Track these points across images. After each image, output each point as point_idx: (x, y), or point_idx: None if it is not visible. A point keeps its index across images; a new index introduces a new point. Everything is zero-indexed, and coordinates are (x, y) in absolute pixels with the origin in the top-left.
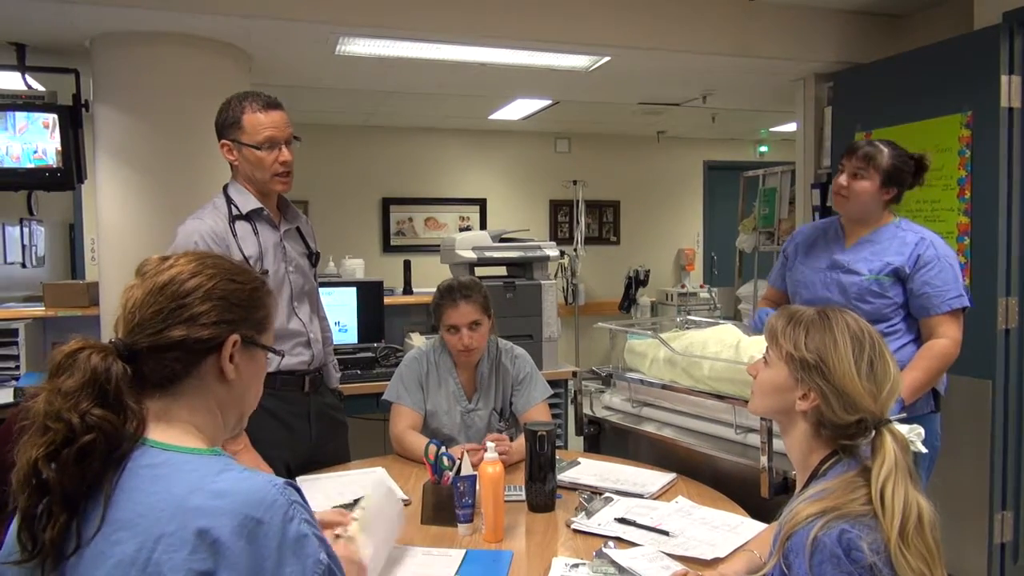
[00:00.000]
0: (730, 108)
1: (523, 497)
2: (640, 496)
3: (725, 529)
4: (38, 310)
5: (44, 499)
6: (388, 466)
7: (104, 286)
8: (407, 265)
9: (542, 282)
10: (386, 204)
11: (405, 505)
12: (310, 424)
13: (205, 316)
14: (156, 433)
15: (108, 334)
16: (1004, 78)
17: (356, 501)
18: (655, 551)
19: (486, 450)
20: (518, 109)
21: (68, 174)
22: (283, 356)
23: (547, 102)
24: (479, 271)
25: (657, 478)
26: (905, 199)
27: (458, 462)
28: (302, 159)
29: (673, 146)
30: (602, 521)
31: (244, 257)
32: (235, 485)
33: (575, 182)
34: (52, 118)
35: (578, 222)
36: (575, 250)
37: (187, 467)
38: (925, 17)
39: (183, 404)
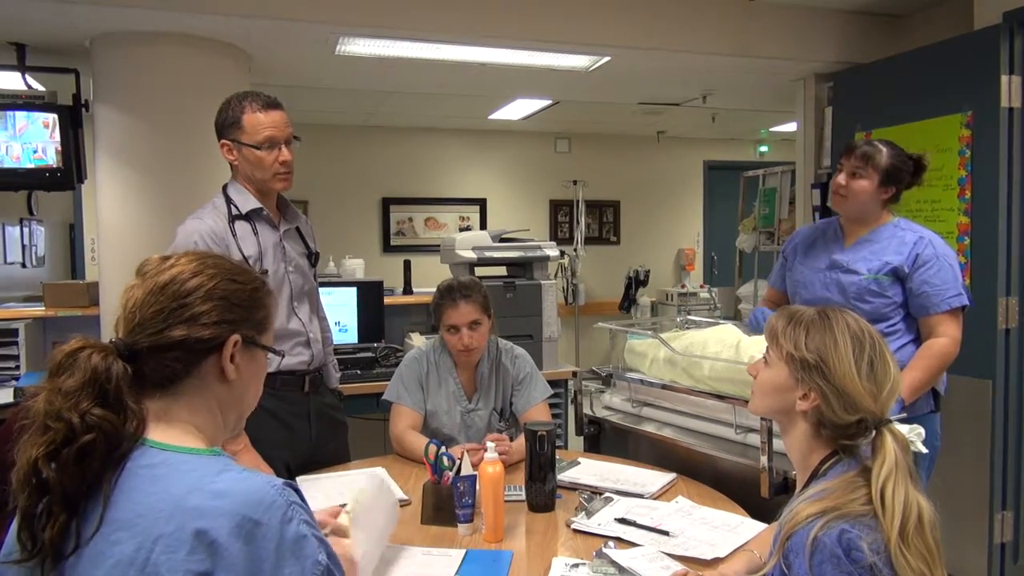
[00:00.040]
0: (730, 108)
1: (523, 497)
2: (640, 496)
3: (725, 529)
4: (38, 310)
5: (44, 499)
6: (388, 466)
7: (104, 286)
8: (407, 265)
9: (542, 282)
10: (386, 204)
11: (405, 505)
12: (310, 424)
13: (206, 316)
14: (156, 433)
15: (108, 334)
16: (1004, 78)
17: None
18: (655, 551)
19: (486, 450)
20: (518, 109)
21: (68, 174)
22: (283, 356)
23: (547, 102)
24: (479, 271)
25: (657, 478)
26: (905, 199)
27: (458, 462)
28: (302, 159)
29: (673, 146)
30: (602, 521)
31: (244, 257)
32: (234, 486)
33: (575, 182)
34: (52, 118)
35: (578, 222)
36: (575, 250)
37: (185, 467)
38: (925, 17)
39: (183, 404)
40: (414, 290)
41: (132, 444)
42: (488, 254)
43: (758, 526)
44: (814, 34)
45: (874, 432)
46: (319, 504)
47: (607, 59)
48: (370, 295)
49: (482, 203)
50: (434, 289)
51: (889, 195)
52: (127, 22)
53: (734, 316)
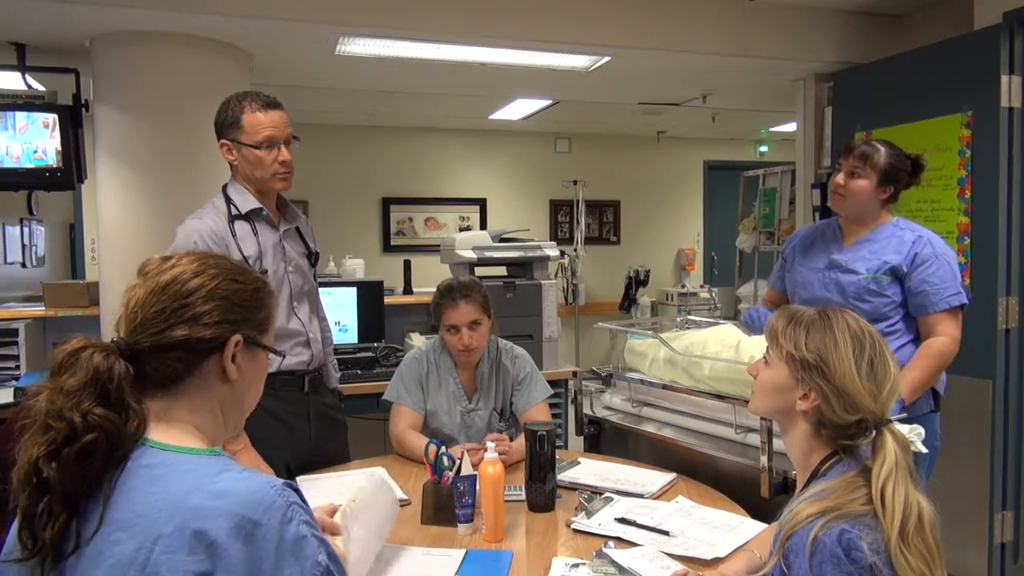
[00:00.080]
0: (730, 108)
1: (523, 497)
2: (640, 496)
3: (725, 529)
4: (38, 310)
5: (45, 498)
6: (388, 466)
7: (104, 286)
8: (407, 265)
9: (542, 282)
10: (386, 204)
11: (405, 505)
12: (310, 424)
13: (207, 316)
14: (156, 433)
15: (108, 334)
16: (1004, 78)
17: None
18: (655, 551)
19: (486, 450)
20: (518, 109)
21: (68, 174)
22: (284, 357)
23: (547, 102)
24: (479, 271)
25: (657, 478)
26: (905, 199)
27: (458, 462)
28: (302, 159)
29: (673, 146)
30: (602, 521)
31: (243, 257)
32: (233, 486)
33: (575, 182)
34: (52, 118)
35: (578, 222)
36: (575, 250)
37: (185, 467)
38: (925, 17)
39: (184, 404)
40: (414, 290)
41: (133, 444)
42: (488, 254)
43: (758, 526)
44: (814, 34)
45: (874, 432)
46: (319, 504)
47: (607, 59)
48: (370, 295)
49: (482, 203)
50: (434, 289)
51: (888, 194)
52: (127, 22)
53: (734, 316)
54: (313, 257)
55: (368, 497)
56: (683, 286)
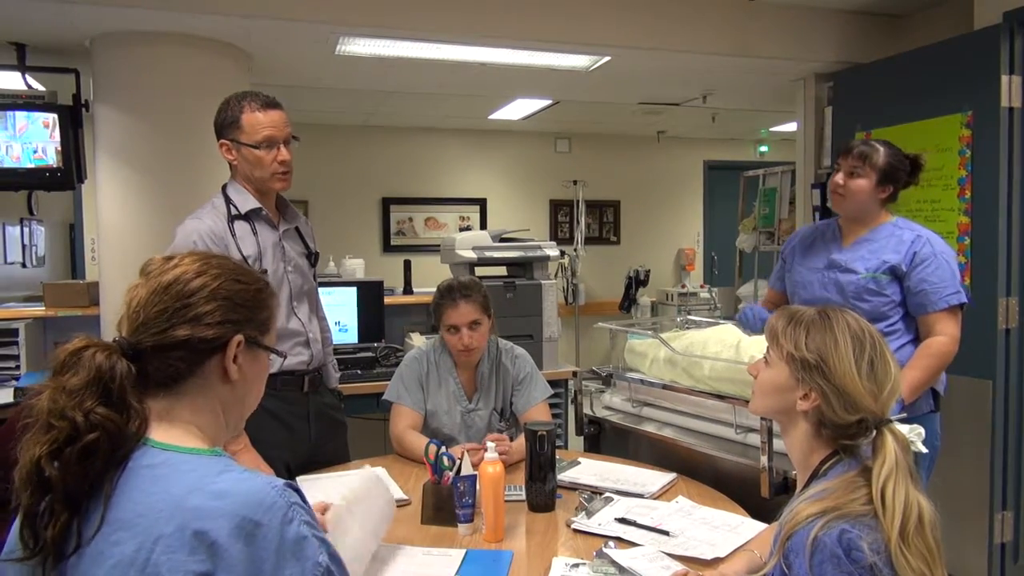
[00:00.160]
0: (730, 108)
1: (523, 497)
2: (640, 496)
3: (725, 529)
4: (38, 310)
5: (46, 497)
6: (388, 466)
7: (104, 286)
8: (407, 265)
9: (542, 282)
10: (386, 204)
11: (405, 505)
12: (309, 424)
13: (210, 316)
14: (158, 433)
15: (108, 334)
16: (1004, 78)
17: None
18: (655, 551)
19: (486, 450)
20: (518, 109)
21: (68, 174)
22: (285, 357)
23: (547, 102)
24: (479, 271)
25: (657, 478)
26: (905, 199)
27: (458, 462)
28: (302, 159)
29: (673, 146)
30: (602, 521)
31: (243, 257)
32: (234, 486)
33: (575, 182)
34: (52, 118)
35: (578, 222)
36: (575, 250)
37: (186, 467)
38: (925, 17)
39: (186, 404)
40: (414, 290)
41: (134, 444)
42: (488, 254)
43: (758, 526)
44: (814, 34)
45: (874, 432)
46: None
47: (607, 59)
48: (370, 295)
49: (482, 203)
50: (434, 289)
51: (887, 194)
52: (127, 22)
53: (734, 316)
54: (313, 257)
55: (361, 495)
56: (683, 286)
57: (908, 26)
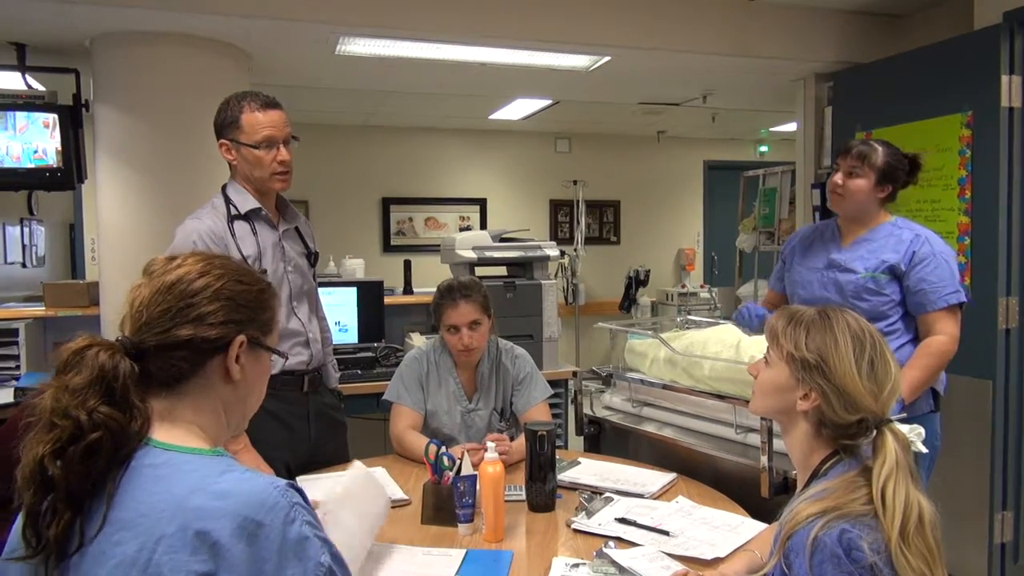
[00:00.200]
0: (730, 108)
1: (523, 497)
2: (640, 496)
3: (725, 529)
4: (38, 310)
5: (49, 496)
6: (388, 466)
7: (104, 286)
8: (407, 265)
9: (542, 282)
10: (386, 204)
11: (405, 505)
12: (309, 424)
13: (213, 316)
14: (160, 433)
15: (109, 334)
16: (1004, 78)
17: None
18: (655, 551)
19: (486, 450)
20: (518, 109)
21: (68, 174)
22: (287, 358)
23: (547, 102)
24: (479, 271)
25: (657, 478)
26: (905, 199)
27: (458, 462)
28: (302, 159)
29: (673, 146)
30: (602, 521)
31: (243, 257)
32: (236, 486)
33: (575, 182)
34: (52, 118)
35: (578, 222)
36: (575, 250)
37: (188, 467)
38: (925, 17)
39: (188, 404)
40: (414, 290)
41: (137, 443)
42: (488, 254)
43: (758, 526)
44: (814, 34)
45: (875, 432)
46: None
47: (607, 59)
48: (370, 295)
49: (482, 203)
50: (434, 289)
51: (886, 193)
52: (127, 22)
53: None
54: (312, 257)
55: (353, 491)
56: (683, 286)
57: (908, 26)
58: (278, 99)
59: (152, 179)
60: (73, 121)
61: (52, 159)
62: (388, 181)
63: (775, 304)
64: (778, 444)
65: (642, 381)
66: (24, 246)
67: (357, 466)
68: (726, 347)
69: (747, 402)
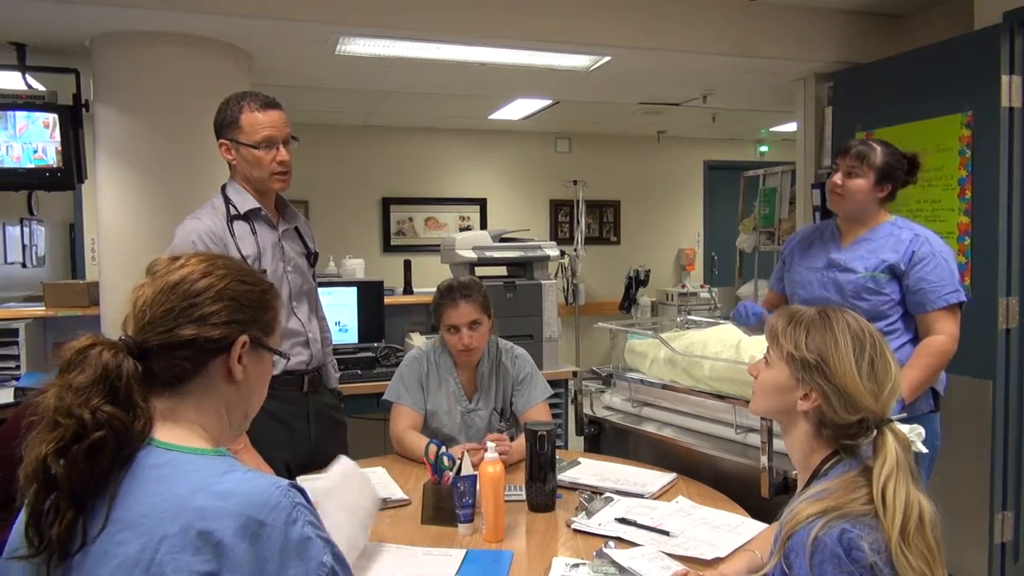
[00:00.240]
0: (730, 108)
1: (523, 497)
2: (640, 496)
3: (725, 529)
4: (38, 310)
5: (52, 495)
6: (388, 466)
7: (104, 286)
8: (407, 265)
9: (542, 282)
10: (386, 204)
11: (405, 505)
12: (309, 424)
13: (216, 316)
14: (162, 433)
15: (109, 334)
16: (1004, 78)
17: None
18: (655, 551)
19: (486, 450)
20: (518, 109)
21: (68, 174)
22: (288, 359)
23: (547, 102)
24: (479, 271)
25: (657, 478)
26: (906, 199)
27: (458, 462)
28: (302, 159)
29: (673, 146)
30: (602, 521)
31: (242, 257)
32: (239, 486)
33: (575, 182)
34: (52, 118)
35: (578, 222)
36: (575, 250)
37: (190, 467)
38: (925, 17)
39: (190, 403)
40: (414, 290)
41: (139, 443)
42: (488, 254)
43: (758, 526)
44: (814, 34)
45: (875, 431)
46: None
47: (607, 59)
48: (370, 295)
49: (482, 203)
50: (434, 289)
51: (885, 193)
52: (127, 22)
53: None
54: (312, 257)
55: (336, 485)
56: (683, 286)
57: (908, 26)
58: (278, 99)
59: (152, 179)
60: (73, 121)
61: (52, 159)
62: (388, 181)
63: (775, 304)
64: (778, 444)
65: (642, 381)
66: (24, 246)
67: (343, 461)
68: (726, 347)
69: (747, 402)
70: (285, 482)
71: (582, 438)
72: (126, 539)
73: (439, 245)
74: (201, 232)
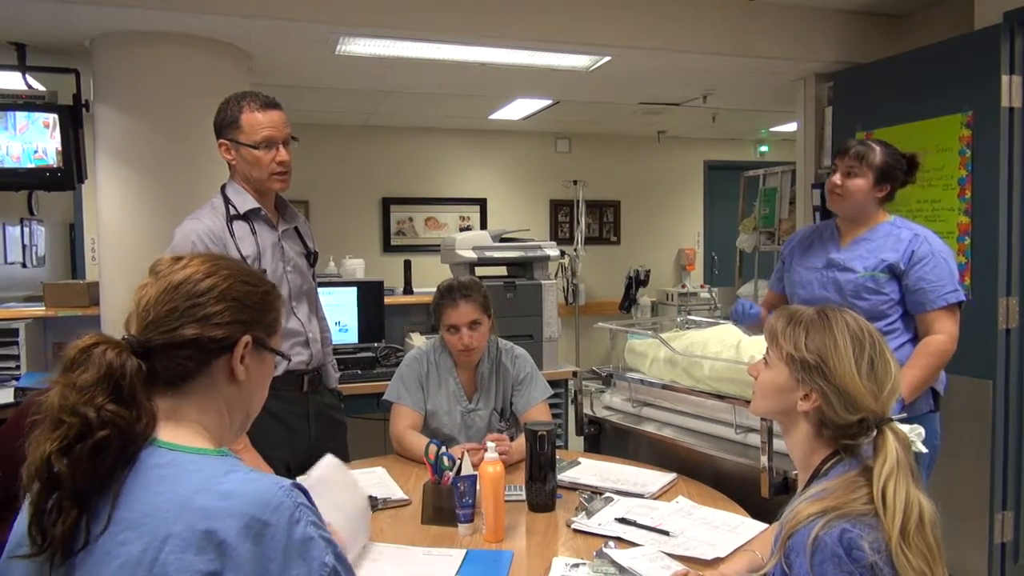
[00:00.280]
0: (730, 108)
1: (523, 497)
2: (640, 496)
3: (725, 529)
4: (38, 310)
5: (55, 494)
6: (388, 466)
7: (104, 286)
8: (407, 265)
9: (542, 282)
10: (386, 204)
11: (405, 505)
12: (309, 424)
13: (219, 316)
14: (165, 433)
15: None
16: (1004, 78)
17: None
18: (655, 551)
19: (486, 450)
20: (518, 109)
21: (68, 174)
22: (290, 361)
23: (547, 102)
24: (479, 271)
25: (657, 478)
26: (906, 199)
27: (458, 462)
28: (302, 159)
29: (673, 146)
30: (602, 521)
31: (242, 257)
32: (241, 486)
33: (575, 182)
34: (52, 118)
35: (578, 222)
36: (575, 250)
37: (192, 467)
38: (925, 17)
39: (193, 403)
40: (414, 290)
41: (142, 443)
42: (488, 254)
43: (758, 526)
44: (814, 34)
45: (875, 431)
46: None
47: (607, 59)
48: (370, 295)
49: (482, 203)
50: (434, 289)
51: (884, 193)
52: (127, 22)
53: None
54: (312, 257)
55: (321, 479)
56: (683, 286)
57: (908, 26)
58: (278, 99)
59: (152, 179)
60: (73, 121)
61: (52, 159)
62: (388, 181)
63: (775, 305)
64: (778, 444)
65: (642, 381)
66: (24, 246)
67: (327, 460)
68: (726, 347)
69: (747, 402)
70: (288, 482)
71: (582, 438)
72: (128, 539)
73: (439, 245)
74: (201, 232)
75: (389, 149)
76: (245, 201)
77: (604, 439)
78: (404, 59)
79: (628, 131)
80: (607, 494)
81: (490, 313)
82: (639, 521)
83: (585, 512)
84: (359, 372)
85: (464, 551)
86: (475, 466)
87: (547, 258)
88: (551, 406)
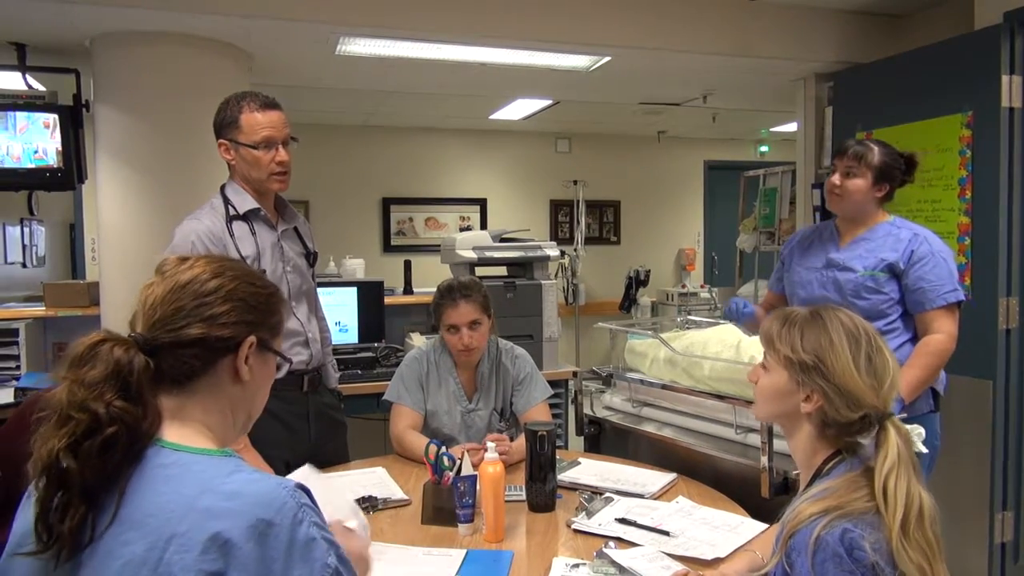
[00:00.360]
0: (730, 108)
1: (523, 497)
2: (640, 496)
3: (725, 529)
4: (38, 310)
5: (62, 490)
6: (388, 466)
7: (104, 286)
8: (407, 265)
9: (542, 282)
10: (386, 204)
11: (405, 505)
12: (309, 424)
13: (225, 316)
14: (170, 432)
15: None
16: (1005, 78)
17: (366, 499)
18: (655, 551)
19: (486, 450)
20: (518, 109)
21: (68, 174)
22: (291, 363)
23: (547, 102)
24: (479, 271)
25: (657, 478)
26: (906, 199)
27: (458, 462)
28: (302, 159)
29: (673, 146)
30: (602, 521)
31: (241, 257)
32: (245, 487)
33: (575, 182)
34: (52, 118)
35: (578, 222)
36: (575, 250)
37: (196, 468)
38: (925, 17)
39: (197, 402)
40: (414, 290)
41: (148, 441)
42: (488, 254)
43: (758, 526)
44: (814, 34)
45: (877, 427)
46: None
47: (607, 59)
48: (370, 295)
49: (482, 203)
50: (434, 289)
51: (883, 193)
52: (127, 22)
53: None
54: (311, 257)
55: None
56: (683, 286)
57: (908, 26)
58: (278, 99)
59: (152, 179)
60: (73, 121)
61: (52, 159)
62: (388, 181)
63: (774, 305)
64: (778, 444)
65: (642, 381)
66: (24, 246)
67: (303, 471)
68: (726, 347)
69: (747, 402)
70: (291, 482)
71: (582, 438)
72: (132, 539)
73: (439, 245)
74: (200, 232)
75: (389, 149)
76: (244, 201)
77: (604, 439)
78: (404, 59)
79: (628, 131)
80: (607, 494)
81: (490, 313)
82: (639, 521)
83: (585, 512)
84: (359, 372)
85: (464, 551)
86: (475, 466)
87: (547, 258)
88: (551, 406)
